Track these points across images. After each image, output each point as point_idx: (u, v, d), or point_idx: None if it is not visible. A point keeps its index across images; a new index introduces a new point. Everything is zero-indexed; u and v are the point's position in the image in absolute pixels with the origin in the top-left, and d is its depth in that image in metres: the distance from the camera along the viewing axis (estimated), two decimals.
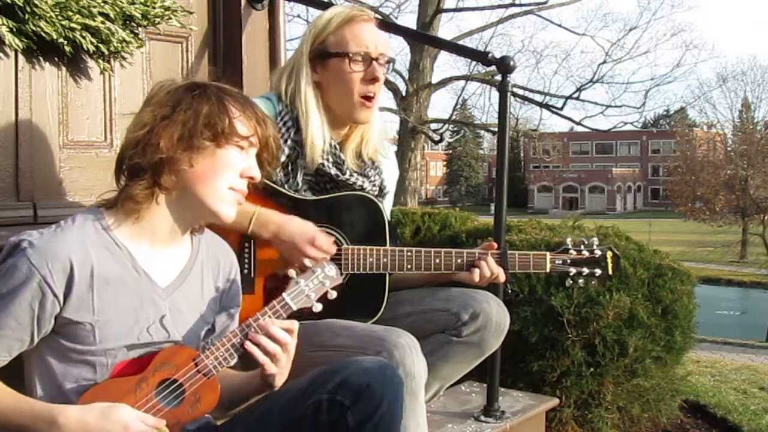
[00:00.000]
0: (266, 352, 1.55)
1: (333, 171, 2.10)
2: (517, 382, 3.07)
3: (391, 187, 2.29)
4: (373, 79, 2.09)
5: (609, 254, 2.20)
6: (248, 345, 1.55)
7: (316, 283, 1.66)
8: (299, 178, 2.08)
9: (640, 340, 3.06)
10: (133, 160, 1.51)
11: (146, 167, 1.50)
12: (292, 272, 1.67)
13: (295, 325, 1.59)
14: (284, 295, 1.62)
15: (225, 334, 1.64)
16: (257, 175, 1.61)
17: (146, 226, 1.55)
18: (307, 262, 1.92)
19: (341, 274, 1.71)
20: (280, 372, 1.58)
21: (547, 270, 2.17)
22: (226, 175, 1.56)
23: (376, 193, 2.18)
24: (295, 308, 1.62)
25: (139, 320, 1.52)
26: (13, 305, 1.42)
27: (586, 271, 2.18)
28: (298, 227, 1.96)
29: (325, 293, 1.67)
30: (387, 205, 2.25)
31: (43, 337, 1.47)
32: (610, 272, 2.20)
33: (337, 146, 2.14)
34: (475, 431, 2.51)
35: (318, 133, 2.08)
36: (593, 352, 3.05)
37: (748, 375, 5.12)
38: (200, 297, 1.65)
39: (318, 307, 1.66)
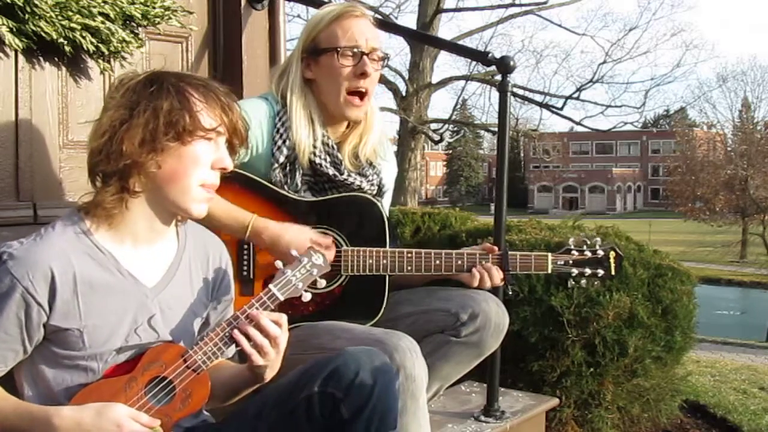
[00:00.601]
0: (254, 344, 1.54)
1: (331, 171, 2.10)
2: (517, 382, 3.07)
3: (389, 185, 2.29)
4: (363, 74, 2.07)
5: (612, 254, 2.18)
6: (236, 334, 1.54)
7: (303, 273, 1.64)
8: (298, 179, 2.08)
9: (640, 340, 3.06)
10: (98, 167, 1.49)
11: (112, 174, 1.48)
12: (279, 263, 1.65)
13: (283, 318, 1.58)
14: (271, 286, 1.60)
15: (214, 328, 1.64)
16: (229, 165, 1.58)
17: (124, 230, 1.54)
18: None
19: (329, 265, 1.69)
20: (269, 365, 1.58)
21: (549, 271, 2.15)
22: (196, 172, 1.52)
23: (374, 192, 2.18)
24: (282, 298, 1.61)
25: (127, 322, 1.52)
26: (0, 319, 1.42)
27: (588, 271, 2.16)
28: (295, 236, 1.95)
29: (314, 282, 1.66)
30: (385, 204, 2.25)
31: (36, 345, 1.48)
32: (613, 272, 2.18)
33: (335, 146, 2.13)
34: (475, 431, 2.51)
35: (304, 130, 2.07)
36: (593, 352, 3.05)
37: (748, 375, 5.12)
38: (190, 292, 1.64)
39: (307, 297, 1.65)
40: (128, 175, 1.49)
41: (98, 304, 1.48)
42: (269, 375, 1.60)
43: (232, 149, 1.60)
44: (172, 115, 1.48)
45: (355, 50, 2.06)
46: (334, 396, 1.51)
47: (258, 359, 1.55)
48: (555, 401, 2.92)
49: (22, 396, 1.50)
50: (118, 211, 1.51)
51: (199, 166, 1.53)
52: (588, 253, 2.17)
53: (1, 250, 1.45)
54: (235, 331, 1.54)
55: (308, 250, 1.68)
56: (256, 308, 1.57)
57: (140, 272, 1.55)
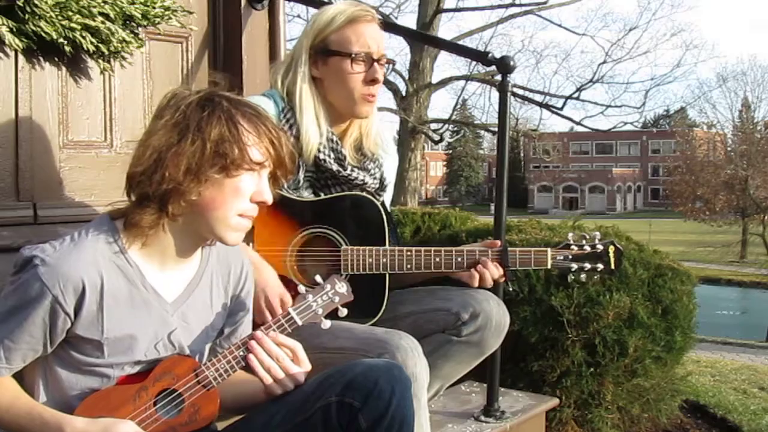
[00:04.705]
0: (266, 368, 1.56)
1: (334, 167, 2.10)
2: (517, 382, 3.08)
3: (391, 178, 2.30)
4: (373, 81, 2.10)
5: (611, 249, 2.16)
6: (250, 358, 1.55)
7: (325, 299, 1.65)
8: (300, 175, 2.08)
9: (640, 340, 3.06)
10: (139, 188, 1.48)
11: (153, 196, 1.46)
12: (301, 288, 1.66)
13: (297, 347, 1.60)
14: (290, 309, 1.62)
15: (230, 340, 1.64)
16: (269, 199, 1.55)
17: (154, 250, 1.53)
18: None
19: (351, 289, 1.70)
20: (280, 386, 1.58)
21: (549, 266, 2.14)
22: (235, 203, 1.51)
23: (377, 186, 2.19)
24: (300, 323, 1.61)
25: (148, 337, 1.52)
26: (26, 322, 1.42)
27: (588, 266, 2.14)
28: (267, 280, 1.91)
29: (335, 310, 1.66)
30: (387, 197, 2.26)
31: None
32: (613, 267, 2.15)
33: (338, 141, 2.14)
34: (475, 431, 2.51)
35: (313, 129, 2.08)
36: (593, 352, 3.05)
37: (748, 375, 5.13)
38: (209, 307, 1.64)
39: (327, 324, 1.65)
40: (168, 199, 1.46)
41: (121, 318, 1.48)
42: (280, 392, 1.60)
43: (275, 180, 1.58)
44: (221, 147, 1.46)
45: (367, 57, 2.08)
46: (352, 405, 1.50)
47: (268, 380, 1.56)
48: (555, 401, 2.92)
49: (32, 392, 1.50)
50: (153, 232, 1.50)
51: (239, 197, 1.51)
52: (587, 248, 2.15)
53: (33, 253, 1.43)
54: (250, 355, 1.56)
55: (332, 278, 1.68)
56: (273, 330, 1.59)
57: (162, 287, 1.55)
